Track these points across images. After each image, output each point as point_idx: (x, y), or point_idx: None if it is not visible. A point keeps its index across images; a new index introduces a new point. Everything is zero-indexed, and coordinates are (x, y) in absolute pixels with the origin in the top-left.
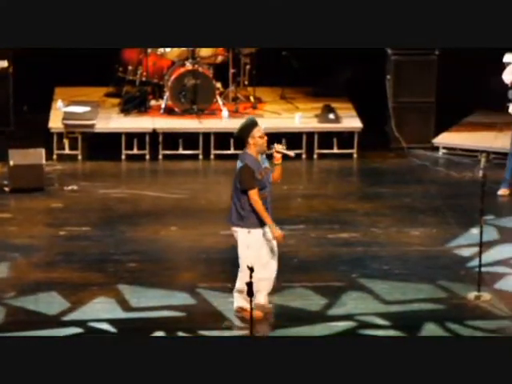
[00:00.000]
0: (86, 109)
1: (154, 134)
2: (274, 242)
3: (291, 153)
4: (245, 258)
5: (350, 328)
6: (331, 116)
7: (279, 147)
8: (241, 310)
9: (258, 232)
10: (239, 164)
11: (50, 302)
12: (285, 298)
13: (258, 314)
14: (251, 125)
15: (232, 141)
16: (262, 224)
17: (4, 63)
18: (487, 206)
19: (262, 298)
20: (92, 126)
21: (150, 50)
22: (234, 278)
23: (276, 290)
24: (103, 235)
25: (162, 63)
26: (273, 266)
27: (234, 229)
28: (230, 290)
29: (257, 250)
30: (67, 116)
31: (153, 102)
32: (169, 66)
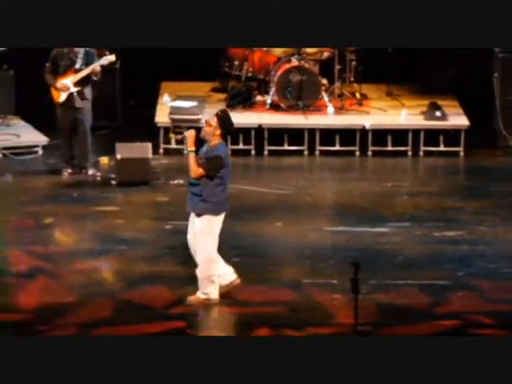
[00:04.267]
0: (193, 103)
1: (259, 129)
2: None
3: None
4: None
5: (456, 327)
6: (438, 113)
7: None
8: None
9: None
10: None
11: (156, 296)
12: (390, 295)
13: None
14: None
15: (338, 137)
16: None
17: (112, 57)
18: None
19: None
20: (198, 120)
21: None
22: (338, 274)
23: (380, 287)
24: None
25: (268, 59)
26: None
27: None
28: (334, 286)
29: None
30: (174, 111)
31: (258, 98)
32: (275, 62)
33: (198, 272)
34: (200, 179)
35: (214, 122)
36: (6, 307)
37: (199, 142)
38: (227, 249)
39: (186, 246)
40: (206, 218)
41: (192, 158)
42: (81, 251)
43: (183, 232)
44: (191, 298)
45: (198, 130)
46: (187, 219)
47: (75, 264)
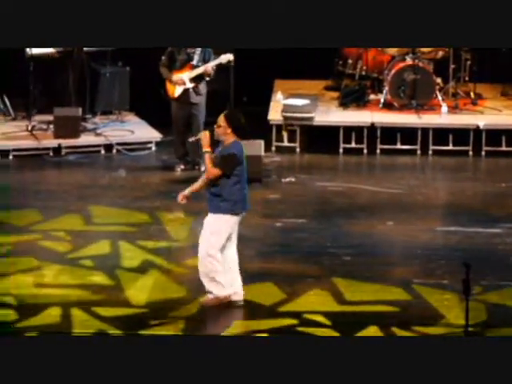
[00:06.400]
0: (306, 102)
1: (372, 128)
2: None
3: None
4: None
5: None
6: None
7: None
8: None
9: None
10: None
11: (265, 293)
12: (502, 296)
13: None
14: None
15: (451, 137)
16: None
17: (230, 56)
18: None
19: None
20: (311, 118)
21: None
22: (449, 274)
23: (492, 288)
24: (319, 228)
25: (382, 57)
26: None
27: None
28: (445, 287)
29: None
30: (286, 108)
31: (372, 96)
32: (389, 61)
33: (199, 268)
34: (218, 180)
35: (223, 121)
36: (118, 301)
37: (215, 143)
38: (338, 247)
39: (296, 244)
40: (218, 216)
41: (207, 158)
42: (192, 247)
43: (294, 230)
44: (203, 300)
45: (212, 131)
46: (299, 217)
47: (186, 259)
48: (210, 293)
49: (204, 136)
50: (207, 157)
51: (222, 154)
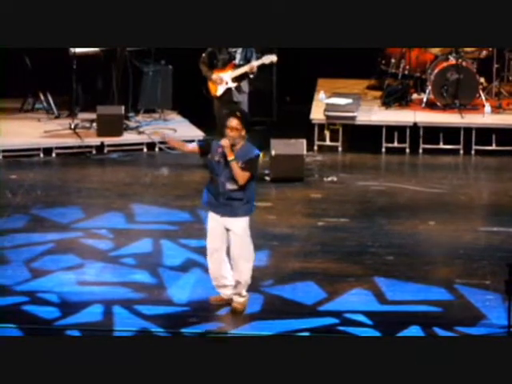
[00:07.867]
0: (348, 101)
1: (414, 127)
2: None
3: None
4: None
5: None
6: None
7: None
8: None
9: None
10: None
11: (306, 292)
12: None
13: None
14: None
15: (494, 136)
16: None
17: (273, 57)
18: None
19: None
20: (353, 118)
21: None
22: (492, 275)
23: None
24: (361, 227)
25: (425, 57)
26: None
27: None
28: (487, 287)
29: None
30: (329, 107)
31: (414, 96)
32: (432, 60)
33: (244, 277)
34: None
35: (238, 124)
36: (160, 299)
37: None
38: (379, 247)
39: (337, 243)
40: (245, 219)
41: (235, 166)
42: None
43: (336, 229)
44: (238, 306)
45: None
46: (341, 216)
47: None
48: (245, 296)
49: (226, 145)
50: (234, 165)
51: (250, 158)
